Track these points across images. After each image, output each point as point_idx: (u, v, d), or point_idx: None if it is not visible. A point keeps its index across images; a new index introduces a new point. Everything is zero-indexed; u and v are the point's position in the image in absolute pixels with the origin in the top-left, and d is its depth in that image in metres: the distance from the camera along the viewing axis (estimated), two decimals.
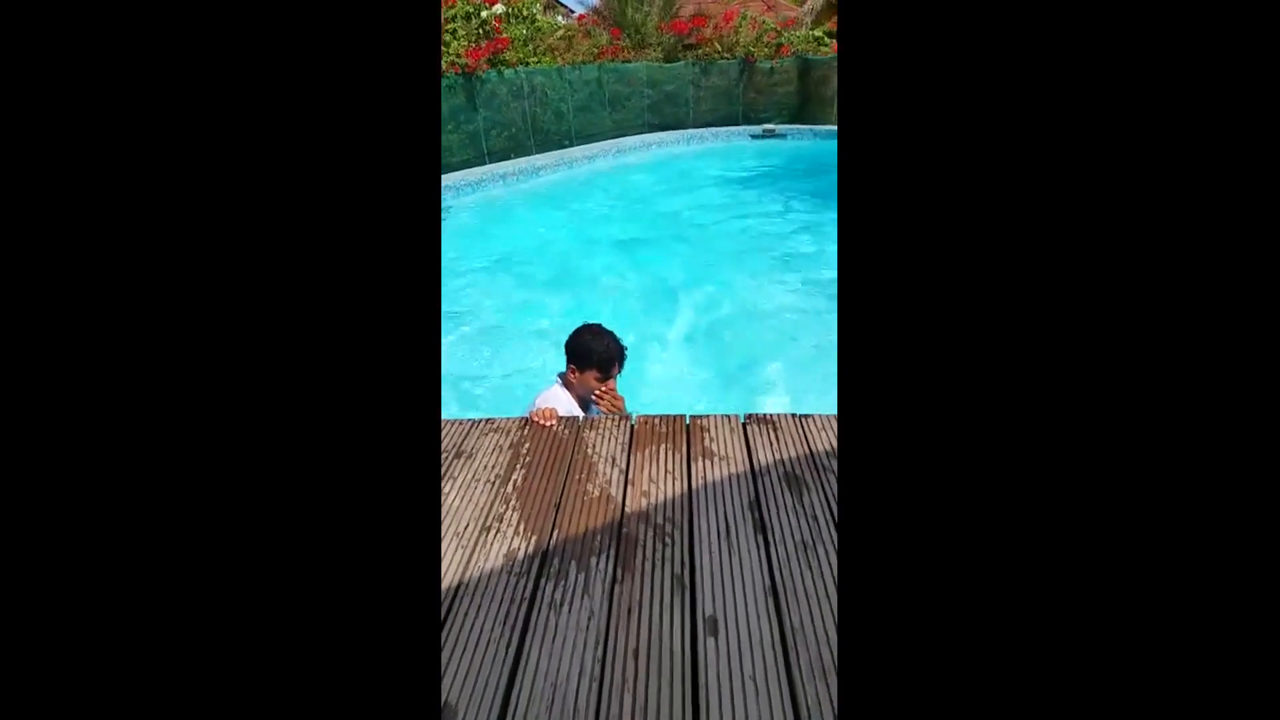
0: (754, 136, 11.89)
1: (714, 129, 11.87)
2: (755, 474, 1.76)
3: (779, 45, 12.07)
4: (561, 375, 2.37)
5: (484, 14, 8.31)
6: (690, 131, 11.61)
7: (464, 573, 1.45)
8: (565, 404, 2.26)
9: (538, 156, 9.39)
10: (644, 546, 1.52)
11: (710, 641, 1.26)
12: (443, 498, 1.71)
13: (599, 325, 2.36)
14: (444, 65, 7.75)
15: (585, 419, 2.08)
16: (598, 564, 1.47)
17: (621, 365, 2.32)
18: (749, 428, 1.97)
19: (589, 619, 1.32)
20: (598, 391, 2.28)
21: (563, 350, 2.33)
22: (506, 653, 1.24)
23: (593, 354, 2.26)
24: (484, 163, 8.75)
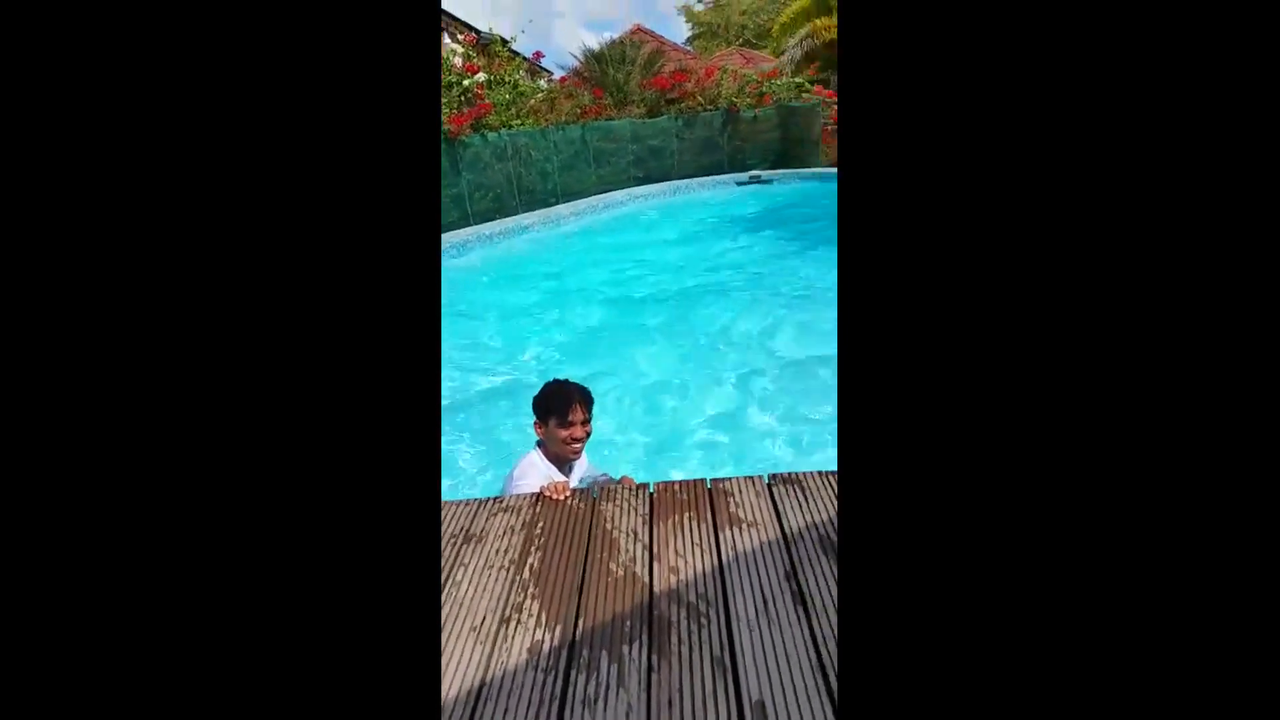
0: (739, 184, 12.05)
1: (699, 179, 12.03)
2: (788, 539, 1.66)
3: (761, 95, 12.37)
4: (539, 443, 2.27)
5: (465, 82, 8.48)
6: (676, 183, 11.75)
7: (485, 672, 1.33)
8: (543, 470, 2.15)
9: (524, 216, 9.46)
10: (678, 628, 1.41)
11: None
12: (455, 588, 1.59)
13: (558, 379, 2.29)
14: None
15: (600, 489, 1.98)
16: (630, 652, 1.36)
17: (586, 408, 2.19)
18: (774, 488, 1.88)
19: (627, 713, 1.21)
20: (564, 439, 2.16)
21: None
22: None
23: (544, 401, 2.20)
24: (469, 224, 8.80)
